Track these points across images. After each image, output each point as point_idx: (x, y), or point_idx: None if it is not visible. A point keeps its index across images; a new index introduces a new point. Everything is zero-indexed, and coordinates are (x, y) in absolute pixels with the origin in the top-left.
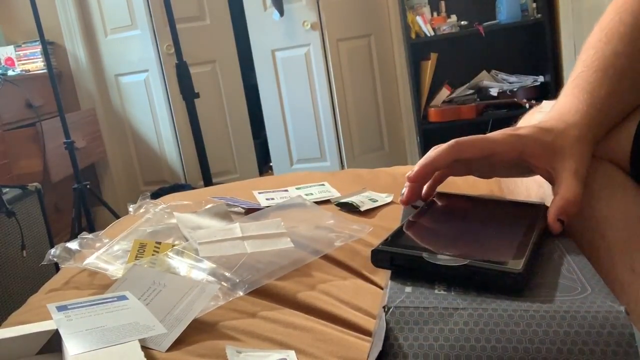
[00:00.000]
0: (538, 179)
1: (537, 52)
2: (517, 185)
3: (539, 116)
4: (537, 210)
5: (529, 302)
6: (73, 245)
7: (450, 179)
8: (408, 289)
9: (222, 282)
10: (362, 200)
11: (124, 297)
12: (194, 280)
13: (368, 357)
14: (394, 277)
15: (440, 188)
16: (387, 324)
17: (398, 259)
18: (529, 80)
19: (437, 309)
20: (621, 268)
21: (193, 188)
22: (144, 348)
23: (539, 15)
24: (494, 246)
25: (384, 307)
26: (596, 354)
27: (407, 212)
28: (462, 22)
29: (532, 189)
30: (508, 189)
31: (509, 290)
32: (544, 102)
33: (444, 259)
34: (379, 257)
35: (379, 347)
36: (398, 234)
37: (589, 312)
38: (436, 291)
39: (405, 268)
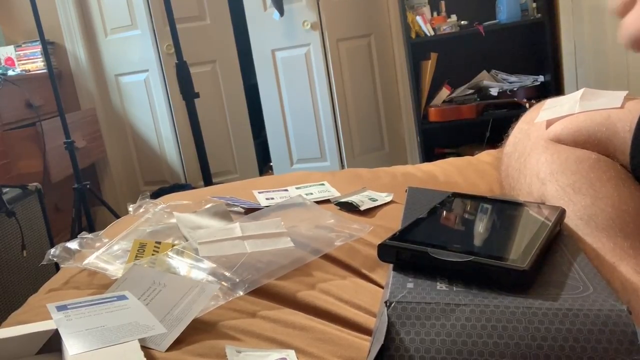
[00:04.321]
0: (541, 174)
1: (537, 52)
2: (519, 181)
3: (544, 114)
4: (554, 212)
5: (530, 299)
6: (73, 245)
7: (450, 178)
8: (410, 285)
9: (222, 282)
10: (362, 199)
11: (123, 297)
12: (193, 280)
13: (369, 352)
14: (396, 273)
15: (440, 188)
16: (389, 318)
17: (404, 254)
18: (529, 80)
19: (439, 304)
20: (625, 268)
21: (193, 188)
22: (144, 348)
23: (539, 15)
24: (501, 244)
25: (385, 302)
26: (598, 352)
27: (409, 212)
28: (462, 22)
29: (534, 185)
30: (509, 186)
31: (514, 287)
32: (548, 99)
33: (449, 254)
34: (385, 252)
35: (380, 342)
36: (406, 230)
37: (591, 310)
38: (438, 287)
39: (411, 263)
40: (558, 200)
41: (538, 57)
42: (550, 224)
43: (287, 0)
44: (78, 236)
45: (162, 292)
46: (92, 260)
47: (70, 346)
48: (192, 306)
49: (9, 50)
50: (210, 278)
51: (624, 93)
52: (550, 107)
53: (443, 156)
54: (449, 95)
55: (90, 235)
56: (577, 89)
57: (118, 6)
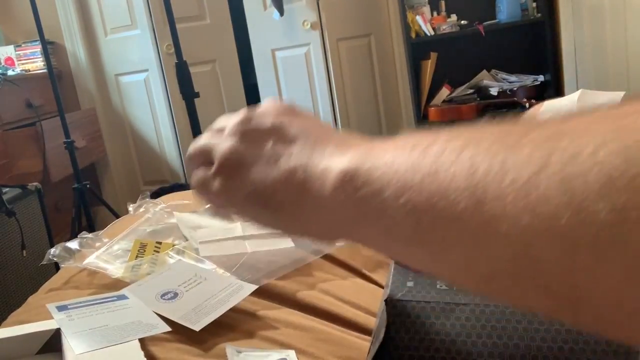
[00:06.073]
0: None
1: (537, 51)
2: None
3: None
4: None
5: None
6: (73, 244)
7: None
8: (410, 284)
9: None
10: None
11: (123, 297)
12: (233, 279)
13: (369, 351)
14: (396, 272)
15: None
16: (389, 317)
17: None
18: (529, 80)
19: (439, 303)
20: None
21: None
22: (147, 345)
23: (539, 14)
24: None
25: (385, 301)
26: (597, 354)
27: None
28: (462, 22)
29: None
30: None
31: None
32: (545, 102)
33: None
34: None
35: (380, 340)
36: None
37: None
38: (438, 286)
39: None
40: None
41: (538, 57)
42: None
43: None
44: (78, 236)
45: (202, 285)
46: (92, 260)
47: (75, 346)
48: (228, 299)
49: (8, 50)
50: None
51: (621, 94)
52: (547, 111)
53: None
54: (449, 95)
55: (90, 235)
56: (577, 89)
57: (118, 6)
